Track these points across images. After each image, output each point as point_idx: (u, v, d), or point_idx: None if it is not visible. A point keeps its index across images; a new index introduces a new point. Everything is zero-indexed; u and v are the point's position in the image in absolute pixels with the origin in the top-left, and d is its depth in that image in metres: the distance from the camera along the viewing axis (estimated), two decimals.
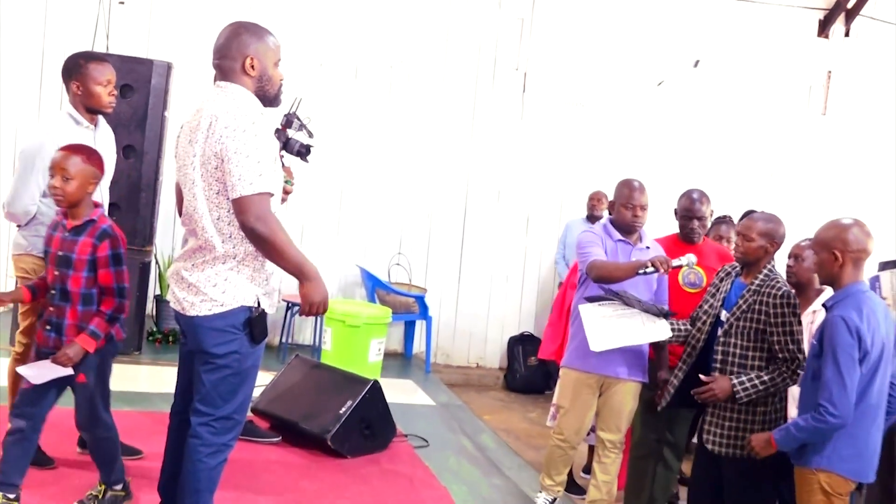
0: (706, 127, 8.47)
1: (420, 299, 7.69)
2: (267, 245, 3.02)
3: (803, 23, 8.75)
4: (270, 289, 3.21)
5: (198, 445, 3.14)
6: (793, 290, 3.82)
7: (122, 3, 6.99)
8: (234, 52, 3.12)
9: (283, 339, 7.25)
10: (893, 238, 7.39)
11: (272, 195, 3.04)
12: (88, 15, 6.96)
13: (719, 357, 3.89)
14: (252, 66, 3.12)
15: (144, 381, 5.52)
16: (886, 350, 3.35)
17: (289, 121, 4.66)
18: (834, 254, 3.36)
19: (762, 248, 3.85)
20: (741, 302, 3.87)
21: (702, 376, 3.86)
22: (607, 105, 8.33)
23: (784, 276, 4.00)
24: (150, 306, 6.92)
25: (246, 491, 4.22)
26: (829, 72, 8.85)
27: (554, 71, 8.21)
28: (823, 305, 3.49)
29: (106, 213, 3.87)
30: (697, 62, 8.47)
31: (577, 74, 8.23)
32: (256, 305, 3.10)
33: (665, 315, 4.21)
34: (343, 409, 4.85)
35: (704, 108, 8.49)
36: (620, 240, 4.50)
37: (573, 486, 5.26)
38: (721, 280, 4.09)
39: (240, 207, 2.97)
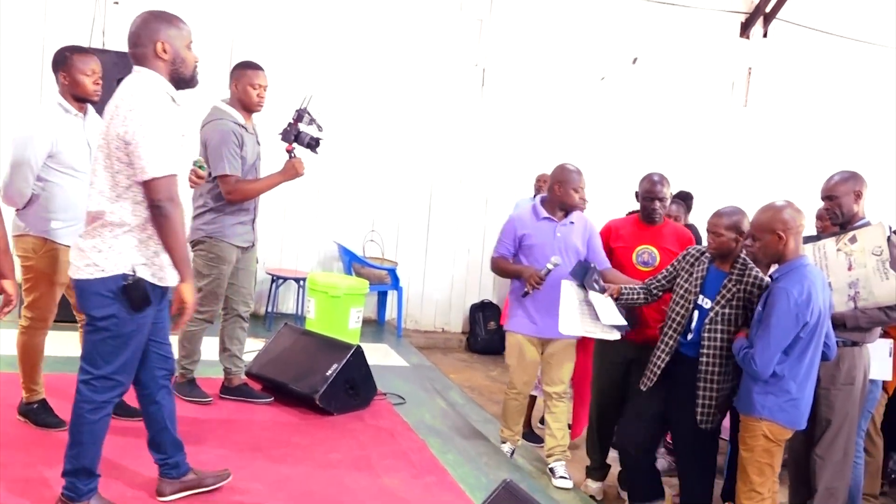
0: (642, 117, 8.49)
1: (392, 272, 7.62)
2: (166, 225, 2.95)
3: (727, 25, 8.79)
4: (159, 262, 3.03)
5: (79, 401, 3.05)
6: (766, 279, 3.77)
7: (117, 2, 6.73)
8: (145, 39, 3.00)
9: (269, 309, 7.12)
10: (808, 217, 7.46)
11: (175, 176, 2.97)
12: (85, 14, 6.72)
13: (706, 344, 3.79)
14: (164, 51, 3.00)
15: None
16: (822, 317, 3.42)
17: (300, 115, 4.58)
18: (778, 234, 3.38)
19: (732, 240, 3.78)
20: (724, 291, 3.79)
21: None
22: (557, 96, 8.29)
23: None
24: None
25: (244, 447, 4.13)
26: (750, 68, 8.91)
27: (510, 67, 8.15)
28: (770, 277, 3.49)
29: None
30: (635, 59, 8.47)
31: (531, 70, 8.18)
32: (132, 273, 2.95)
33: (623, 326, 4.21)
34: (329, 371, 4.77)
35: (641, 101, 8.50)
36: (545, 217, 4.47)
37: (532, 436, 5.26)
38: (692, 265, 3.97)
39: (151, 188, 2.90)
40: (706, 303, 3.86)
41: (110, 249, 2.94)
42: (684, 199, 6.78)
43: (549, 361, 4.54)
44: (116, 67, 6.04)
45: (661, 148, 8.44)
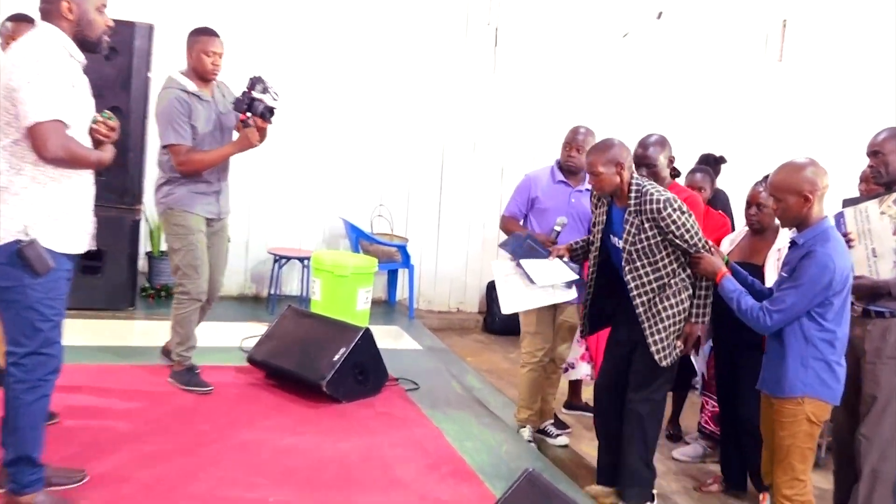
0: (669, 76, 8.36)
1: (402, 248, 7.58)
2: (70, 165, 3.01)
3: None
4: (61, 224, 3.03)
5: (11, 384, 3.04)
6: (668, 193, 3.76)
7: None
8: None
9: (272, 291, 7.10)
10: (850, 178, 7.35)
11: (67, 126, 2.98)
12: None
13: (633, 283, 3.81)
14: (69, 10, 3.04)
15: (139, 336, 5.36)
16: (848, 282, 3.39)
17: (252, 83, 4.58)
18: (805, 195, 3.33)
19: (614, 176, 3.77)
20: (629, 227, 3.78)
21: (678, 347, 3.85)
22: (576, 56, 8.17)
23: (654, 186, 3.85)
24: (143, 263, 6.73)
25: (247, 439, 4.13)
26: (785, 21, 8.72)
27: (524, 25, 8.03)
28: (794, 241, 3.41)
29: None
30: (660, 14, 8.33)
31: (547, 28, 8.06)
32: (26, 236, 2.94)
33: (575, 283, 4.25)
34: (337, 357, 4.74)
35: (667, 59, 8.37)
36: (561, 181, 4.68)
37: (557, 422, 5.23)
38: (596, 207, 4.04)
39: (34, 134, 2.92)
40: (618, 242, 3.86)
41: (1, 216, 2.94)
42: (710, 163, 6.65)
43: (564, 325, 4.76)
44: None
45: (688, 109, 8.31)
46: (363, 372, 4.87)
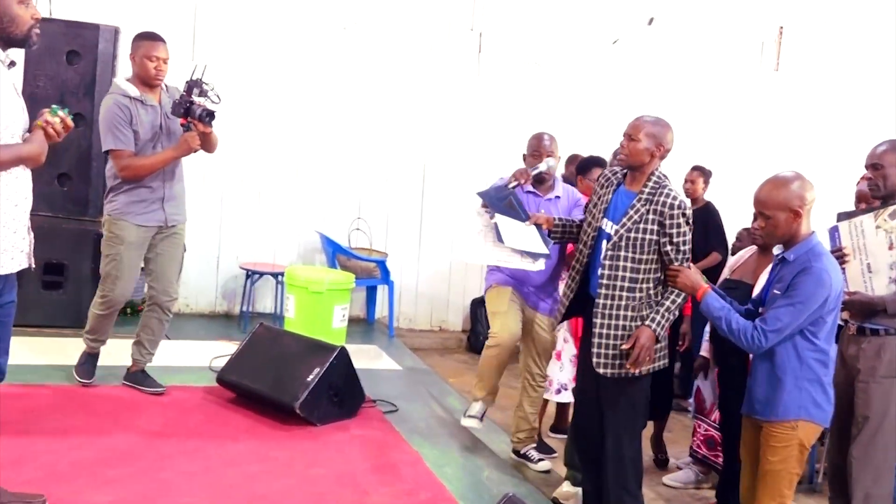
0: (661, 84, 8.43)
1: (381, 264, 7.60)
2: None
3: None
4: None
5: None
6: (687, 202, 3.74)
7: None
8: None
9: (244, 308, 7.11)
10: (845, 191, 7.44)
11: None
12: None
13: (606, 272, 3.70)
14: None
15: (103, 355, 5.32)
16: (840, 299, 3.41)
17: (189, 87, 4.68)
18: (795, 211, 3.33)
19: (648, 152, 3.70)
20: (632, 212, 3.69)
21: (623, 347, 3.68)
22: (563, 63, 8.25)
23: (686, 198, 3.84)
24: None
25: (217, 462, 4.14)
26: (781, 28, 8.86)
27: (509, 31, 8.10)
28: (783, 257, 3.44)
29: None
30: (651, 20, 8.42)
31: (533, 33, 8.14)
32: None
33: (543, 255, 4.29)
34: (311, 377, 4.75)
35: (659, 66, 8.45)
36: (530, 191, 4.71)
37: (542, 446, 5.25)
38: (602, 187, 3.90)
39: None
40: (609, 226, 3.76)
41: None
42: (708, 174, 6.78)
43: (535, 339, 4.80)
44: (65, 38, 6.07)
45: (680, 119, 8.20)
46: (338, 393, 4.89)
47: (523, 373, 4.91)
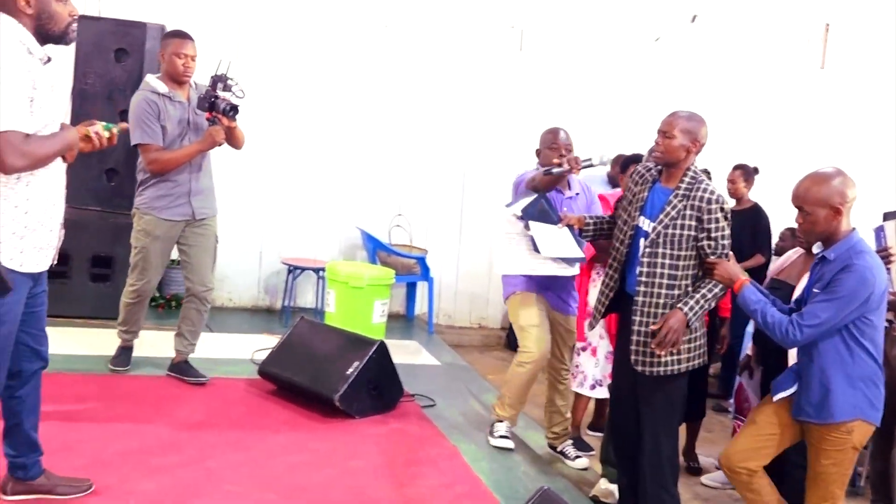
0: (704, 82, 8.38)
1: (421, 260, 7.66)
2: (34, 168, 2.94)
3: None
4: (25, 242, 3.00)
5: None
6: (723, 197, 3.72)
7: None
8: None
9: (286, 303, 7.21)
10: (892, 190, 7.35)
11: (25, 134, 2.87)
12: None
13: (645, 270, 3.70)
14: (28, 4, 2.95)
15: (147, 346, 5.48)
16: (885, 298, 3.38)
17: (214, 82, 4.80)
18: (836, 208, 3.31)
19: (683, 148, 3.70)
20: (669, 209, 3.69)
21: (651, 327, 3.68)
22: (605, 61, 8.23)
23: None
24: None
25: (258, 453, 4.21)
26: (827, 24, 8.76)
27: (551, 28, 8.11)
28: (823, 256, 3.41)
29: None
30: (695, 17, 8.38)
31: (574, 31, 8.14)
32: None
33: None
34: (350, 370, 4.83)
35: (702, 64, 8.41)
36: (556, 189, 4.67)
37: (580, 443, 5.27)
38: (636, 184, 3.90)
39: None
40: (646, 224, 3.76)
41: None
42: (750, 173, 6.72)
43: (563, 335, 4.81)
44: (114, 36, 6.21)
45: (723, 117, 8.30)
46: (377, 387, 4.95)
47: (547, 369, 4.91)
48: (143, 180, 4.92)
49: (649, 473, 3.86)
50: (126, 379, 5.08)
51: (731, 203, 6.95)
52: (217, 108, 4.78)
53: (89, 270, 6.18)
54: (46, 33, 3.02)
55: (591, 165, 4.47)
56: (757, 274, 6.22)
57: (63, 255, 3.40)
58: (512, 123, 8.11)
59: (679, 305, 3.65)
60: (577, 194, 4.76)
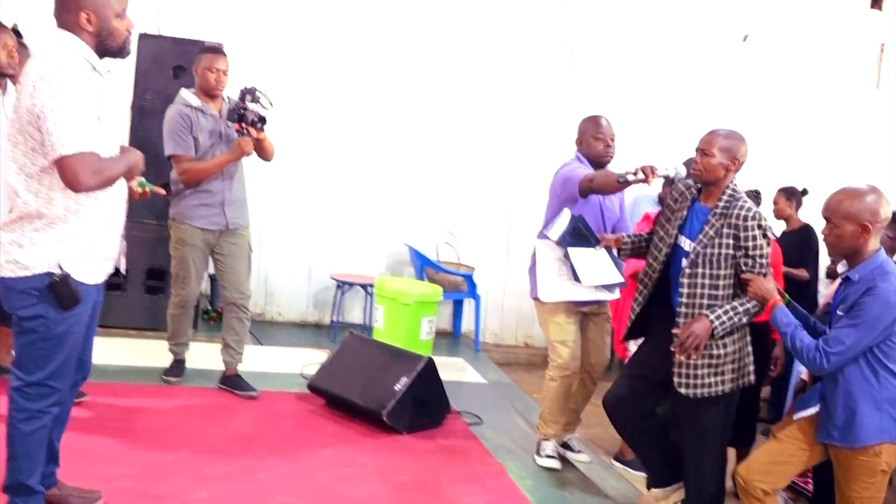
0: (755, 102, 8.35)
1: (468, 278, 7.71)
2: (103, 187, 3.02)
3: None
4: (91, 254, 3.09)
5: (12, 410, 3.09)
6: (762, 213, 3.71)
7: None
8: (70, 5, 3.01)
9: (334, 318, 7.30)
10: None
11: (98, 155, 2.95)
12: None
13: (685, 290, 3.70)
14: (89, 21, 3.01)
15: (199, 358, 5.59)
16: None
17: (243, 94, 5.00)
18: (864, 225, 3.27)
19: (722, 166, 3.73)
20: (707, 228, 3.70)
21: (674, 331, 3.69)
22: (655, 81, 8.23)
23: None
24: (205, 285, 6.99)
25: (306, 465, 4.29)
26: (883, 44, 8.68)
27: (601, 48, 8.15)
28: (847, 277, 3.37)
29: None
30: (746, 37, 8.35)
31: (625, 51, 8.16)
32: (59, 270, 2.99)
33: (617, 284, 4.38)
34: (398, 386, 4.89)
35: (753, 84, 8.37)
36: None
37: (620, 458, 5.26)
38: (676, 202, 3.92)
39: (62, 169, 2.89)
40: (686, 243, 3.76)
41: (32, 245, 2.97)
42: (793, 193, 6.69)
43: (595, 334, 4.77)
44: (172, 53, 6.37)
45: (776, 137, 8.29)
46: (424, 403, 5.00)
47: (585, 365, 4.79)
48: (178, 191, 5.07)
49: (692, 495, 3.85)
50: (178, 390, 5.20)
51: (777, 224, 6.95)
52: (245, 120, 4.95)
53: (144, 282, 6.33)
54: (106, 48, 3.10)
55: (666, 176, 4.18)
56: (803, 290, 6.17)
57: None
58: (561, 142, 8.10)
59: (706, 312, 3.66)
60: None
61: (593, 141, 4.64)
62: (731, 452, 4.80)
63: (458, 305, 7.95)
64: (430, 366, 5.05)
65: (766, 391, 6.28)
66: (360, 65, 7.59)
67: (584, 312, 4.71)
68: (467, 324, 7.98)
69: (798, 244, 6.48)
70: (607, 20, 8.12)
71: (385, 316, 6.52)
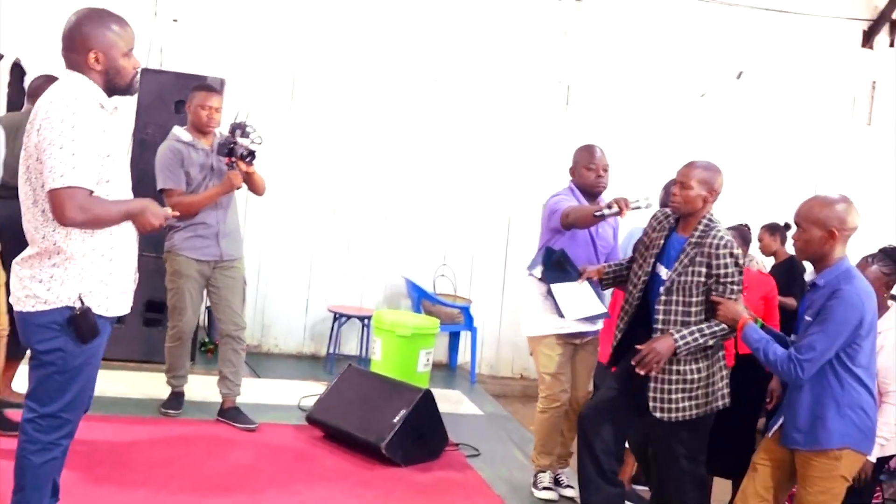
0: (750, 139, 8.48)
1: (465, 310, 7.76)
2: (92, 227, 3.03)
3: (847, 34, 8.75)
4: (110, 288, 3.12)
5: (23, 442, 3.11)
6: (735, 242, 3.83)
7: (176, 20, 7.14)
8: (78, 46, 3.07)
9: (331, 350, 7.34)
10: None
11: (89, 191, 2.97)
12: (143, 32, 7.11)
13: (661, 317, 3.86)
14: (97, 61, 3.08)
15: (196, 391, 5.63)
16: (875, 325, 3.39)
17: (233, 129, 5.09)
18: (831, 231, 3.35)
19: (700, 197, 3.87)
20: (683, 257, 3.84)
21: (638, 346, 3.82)
22: (650, 117, 8.35)
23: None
24: (203, 317, 7.03)
25: (306, 498, 4.33)
26: (874, 82, 8.83)
27: (597, 83, 8.28)
28: (813, 283, 3.45)
29: None
30: (741, 74, 8.50)
31: (621, 87, 8.29)
32: (80, 304, 3.03)
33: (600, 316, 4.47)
34: (396, 418, 4.93)
35: (748, 120, 8.51)
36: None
37: (633, 495, 5.27)
38: (654, 230, 4.06)
39: (52, 201, 2.93)
40: (663, 272, 3.90)
41: (52, 280, 3.01)
42: (776, 229, 6.82)
43: (578, 361, 4.81)
44: (175, 88, 6.45)
45: (769, 173, 8.42)
46: (422, 435, 5.04)
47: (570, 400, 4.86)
48: (172, 224, 5.13)
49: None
50: (177, 423, 5.23)
51: (767, 261, 7.05)
52: (235, 154, 5.06)
53: (143, 315, 6.36)
54: (114, 86, 3.17)
55: (637, 208, 4.42)
56: (792, 317, 6.25)
57: None
58: (557, 176, 8.18)
59: (671, 331, 3.79)
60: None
61: (585, 171, 4.71)
62: (727, 484, 4.86)
63: (454, 337, 7.99)
64: (429, 398, 5.09)
65: (761, 423, 6.32)
66: (358, 98, 7.71)
67: (576, 344, 4.76)
68: (463, 356, 8.03)
69: (785, 275, 6.61)
70: (604, 56, 8.26)
71: (383, 348, 6.55)
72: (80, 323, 3.02)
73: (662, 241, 3.99)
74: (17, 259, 3.12)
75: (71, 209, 2.91)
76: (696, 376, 3.85)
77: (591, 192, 4.71)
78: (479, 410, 6.64)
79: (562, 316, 4.44)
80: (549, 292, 4.47)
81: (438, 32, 7.89)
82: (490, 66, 8.03)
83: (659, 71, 8.34)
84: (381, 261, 7.88)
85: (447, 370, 7.89)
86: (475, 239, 8.14)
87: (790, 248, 6.74)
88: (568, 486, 4.94)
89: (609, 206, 4.30)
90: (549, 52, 8.18)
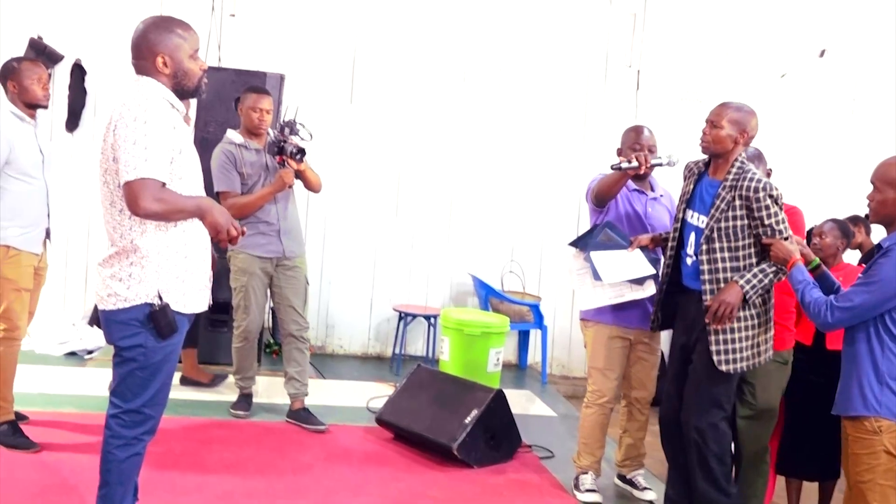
0: (833, 120, 8.42)
1: (535, 308, 7.85)
2: (165, 218, 3.22)
3: None
4: (187, 285, 3.31)
5: (108, 437, 3.32)
6: (771, 183, 3.88)
7: (233, 15, 7.38)
8: (146, 52, 3.31)
9: (397, 350, 7.52)
10: None
11: (162, 183, 3.16)
12: (201, 28, 7.31)
13: (706, 268, 3.91)
14: (165, 64, 3.31)
15: (263, 392, 5.87)
16: None
17: (282, 127, 5.43)
18: None
19: (731, 138, 3.95)
20: (719, 202, 3.89)
21: (706, 303, 3.91)
22: (725, 99, 8.30)
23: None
24: (267, 318, 7.24)
25: (378, 499, 4.50)
26: None
27: (668, 67, 8.30)
28: (879, 245, 3.46)
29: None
30: (823, 52, 8.42)
31: (693, 69, 8.29)
32: (159, 300, 3.22)
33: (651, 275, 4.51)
34: (468, 419, 5.07)
35: (830, 100, 8.44)
36: (635, 189, 4.80)
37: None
38: (685, 179, 4.13)
39: (127, 194, 3.13)
40: (697, 219, 3.95)
41: (130, 278, 3.23)
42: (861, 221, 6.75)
43: (638, 358, 4.85)
44: (234, 85, 6.68)
45: (854, 156, 8.31)
46: (495, 436, 5.18)
47: (628, 397, 5.00)
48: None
49: (700, 473, 4.09)
50: (247, 424, 5.46)
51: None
52: (285, 152, 5.34)
53: (209, 317, 6.60)
54: (183, 89, 3.41)
55: (659, 165, 4.56)
56: None
57: None
58: None
59: (735, 278, 3.86)
60: (661, 195, 4.88)
61: (630, 152, 4.73)
62: (813, 487, 4.90)
63: (523, 336, 8.10)
64: (501, 398, 5.22)
65: None
66: (422, 91, 7.85)
67: (631, 340, 4.80)
68: (533, 355, 8.13)
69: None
70: (676, 38, 8.25)
71: (451, 347, 6.68)
72: (159, 319, 3.24)
73: (692, 187, 4.08)
74: (99, 260, 3.35)
75: (145, 199, 3.12)
76: (755, 322, 3.95)
77: (637, 173, 4.73)
78: (551, 412, 6.75)
79: (599, 279, 4.50)
80: (587, 260, 4.56)
81: (507, 19, 7.97)
82: (561, 53, 8.09)
83: (734, 51, 8.30)
84: (446, 258, 8.02)
85: (517, 370, 8.00)
86: (544, 233, 8.20)
87: (875, 240, 6.73)
88: (646, 489, 5.01)
89: (629, 161, 4.46)
90: (619, 35, 8.23)
